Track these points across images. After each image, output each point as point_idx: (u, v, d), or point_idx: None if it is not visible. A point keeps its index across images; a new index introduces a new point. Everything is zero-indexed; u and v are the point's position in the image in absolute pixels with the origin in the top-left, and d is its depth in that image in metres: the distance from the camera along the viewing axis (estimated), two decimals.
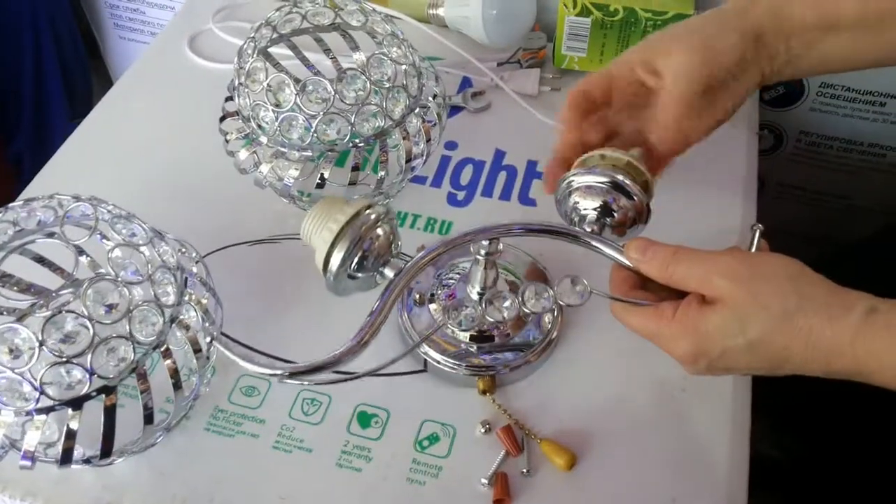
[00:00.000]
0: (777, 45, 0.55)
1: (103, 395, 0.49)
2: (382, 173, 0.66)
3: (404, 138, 0.65)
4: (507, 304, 0.55)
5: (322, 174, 0.64)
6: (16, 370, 0.47)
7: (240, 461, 0.58)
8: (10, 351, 0.48)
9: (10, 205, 0.55)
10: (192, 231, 0.62)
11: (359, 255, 0.53)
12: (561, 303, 0.53)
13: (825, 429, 0.87)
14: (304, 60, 0.76)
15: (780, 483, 0.87)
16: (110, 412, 0.50)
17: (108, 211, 0.54)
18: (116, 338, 0.49)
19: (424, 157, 0.69)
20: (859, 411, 0.83)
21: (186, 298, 0.54)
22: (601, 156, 0.54)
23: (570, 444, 0.58)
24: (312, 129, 0.62)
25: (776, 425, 0.86)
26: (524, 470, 0.57)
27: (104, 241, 0.53)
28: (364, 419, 0.60)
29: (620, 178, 0.51)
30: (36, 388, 0.48)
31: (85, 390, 0.49)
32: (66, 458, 0.50)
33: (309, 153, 0.64)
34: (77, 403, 0.49)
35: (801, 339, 0.47)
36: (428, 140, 0.68)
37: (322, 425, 0.60)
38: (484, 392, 0.60)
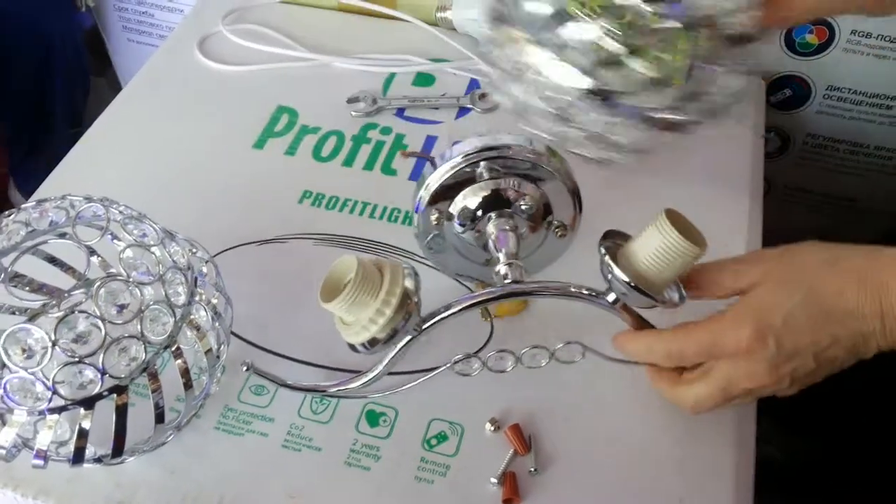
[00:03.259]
0: None
1: (115, 395, 0.50)
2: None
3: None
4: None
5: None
6: (28, 370, 0.48)
7: (249, 460, 0.58)
8: (23, 351, 0.48)
9: (23, 205, 0.55)
10: (201, 231, 0.63)
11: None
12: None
13: (832, 431, 0.87)
14: None
15: (788, 485, 0.87)
16: (122, 411, 0.50)
17: (120, 212, 0.55)
18: (128, 338, 0.50)
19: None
20: (866, 413, 0.83)
21: (197, 298, 0.54)
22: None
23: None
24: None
25: (783, 427, 0.86)
26: (532, 469, 0.57)
27: (115, 241, 0.53)
28: (372, 418, 0.60)
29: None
30: (48, 388, 0.48)
31: (97, 390, 0.49)
32: (78, 457, 0.51)
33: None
34: (89, 403, 0.49)
35: (852, 279, 0.48)
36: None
37: (331, 424, 0.60)
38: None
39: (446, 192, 0.61)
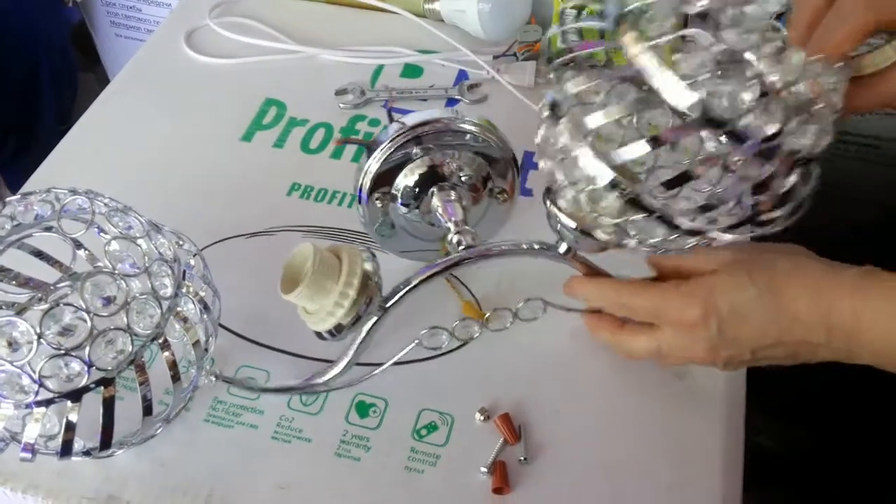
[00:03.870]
0: None
1: (102, 387, 0.50)
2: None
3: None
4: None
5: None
6: (15, 363, 0.48)
7: (239, 451, 0.58)
8: (9, 344, 0.48)
9: (8, 199, 0.55)
10: (190, 225, 0.62)
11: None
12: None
13: (823, 421, 0.87)
14: None
15: (779, 475, 0.87)
16: (109, 404, 0.50)
17: (105, 204, 0.55)
18: (114, 330, 0.49)
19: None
20: (857, 404, 0.83)
21: (184, 290, 0.54)
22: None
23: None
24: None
25: (774, 418, 0.87)
26: (521, 458, 0.57)
27: (101, 234, 0.53)
28: (362, 409, 0.60)
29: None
30: (35, 381, 0.48)
31: (84, 382, 0.49)
32: (66, 450, 0.51)
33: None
34: (76, 396, 0.49)
35: (808, 290, 0.49)
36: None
37: (321, 415, 0.60)
38: None
39: (386, 175, 0.61)
